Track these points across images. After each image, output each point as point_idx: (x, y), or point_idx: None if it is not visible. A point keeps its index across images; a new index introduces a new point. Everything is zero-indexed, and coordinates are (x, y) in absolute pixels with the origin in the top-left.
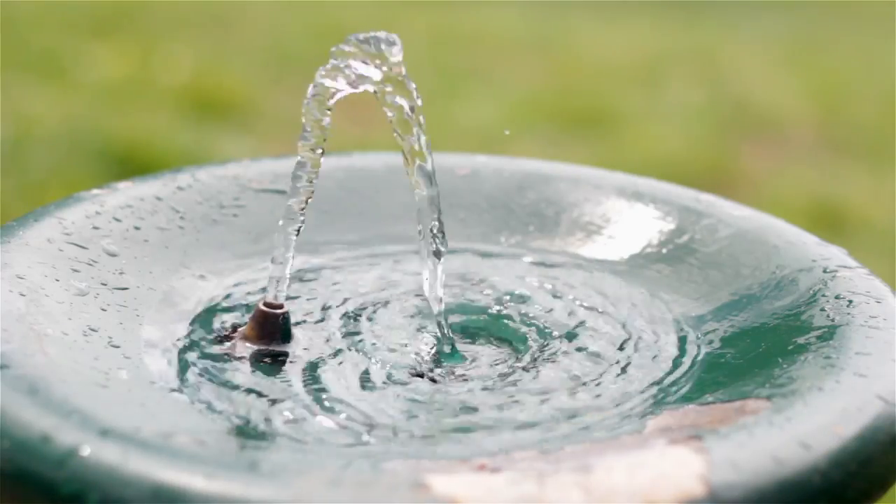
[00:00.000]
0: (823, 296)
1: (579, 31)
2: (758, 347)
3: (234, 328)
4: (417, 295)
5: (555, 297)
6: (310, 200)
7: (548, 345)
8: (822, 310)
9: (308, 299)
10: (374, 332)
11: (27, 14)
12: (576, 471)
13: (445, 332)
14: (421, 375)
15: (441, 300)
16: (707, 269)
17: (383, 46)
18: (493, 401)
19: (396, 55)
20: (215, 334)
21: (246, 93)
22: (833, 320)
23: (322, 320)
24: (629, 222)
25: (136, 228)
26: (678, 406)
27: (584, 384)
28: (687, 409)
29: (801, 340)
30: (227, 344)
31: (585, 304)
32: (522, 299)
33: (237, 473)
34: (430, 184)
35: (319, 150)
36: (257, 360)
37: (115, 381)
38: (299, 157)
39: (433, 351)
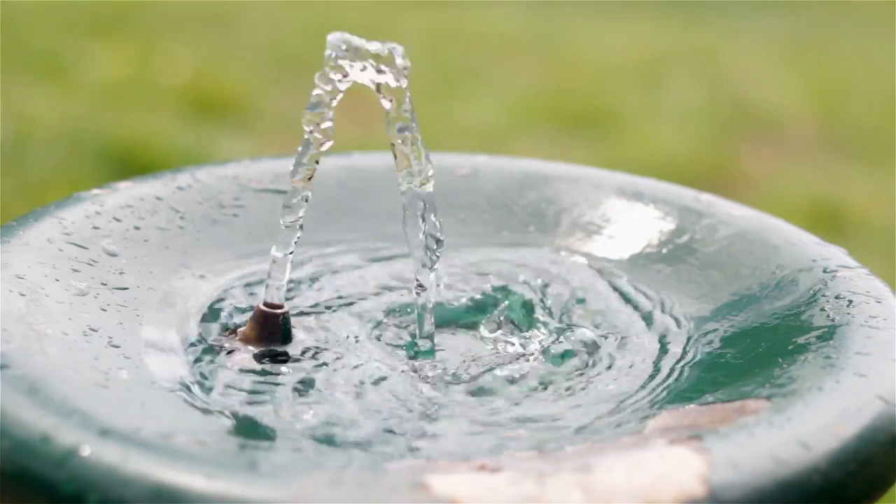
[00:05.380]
0: (823, 296)
1: (579, 31)
2: (758, 347)
3: (234, 328)
4: (418, 294)
5: (553, 296)
6: (307, 200)
7: (546, 344)
8: (822, 310)
9: (308, 299)
10: (374, 332)
11: (27, 14)
12: (576, 471)
13: (427, 326)
14: (421, 376)
15: (429, 294)
16: (707, 269)
17: (387, 51)
18: (492, 400)
19: (402, 61)
20: (215, 334)
21: (246, 93)
22: (833, 320)
23: (322, 320)
24: (629, 222)
25: (136, 228)
26: (678, 406)
27: (584, 383)
28: (687, 409)
29: (801, 340)
30: (227, 344)
31: (584, 303)
32: (520, 298)
33: (237, 473)
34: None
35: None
36: (257, 361)
37: (115, 381)
38: (298, 154)
39: (422, 347)
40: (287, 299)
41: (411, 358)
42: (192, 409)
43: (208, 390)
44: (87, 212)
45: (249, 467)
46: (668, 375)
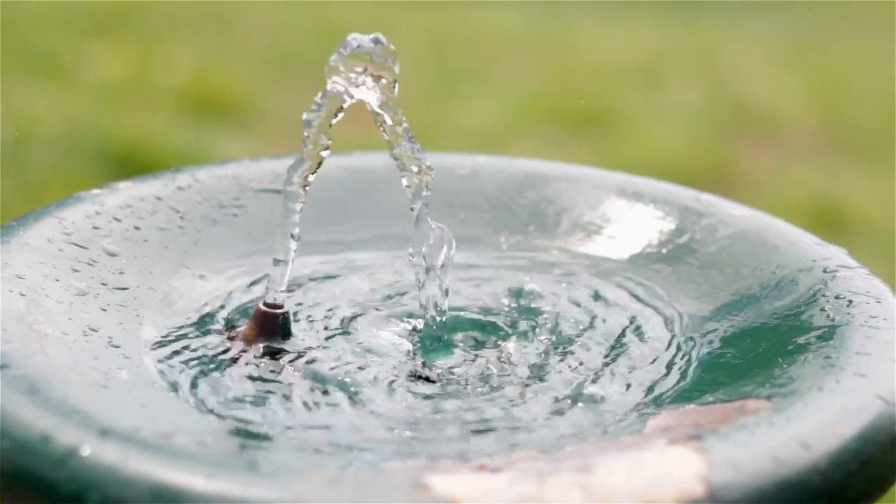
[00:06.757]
0: (823, 296)
1: (579, 31)
2: (758, 347)
3: (235, 328)
4: (418, 294)
5: (554, 296)
6: (306, 199)
7: (547, 344)
8: (822, 310)
9: (308, 299)
10: (374, 332)
11: (27, 14)
12: (576, 471)
13: (438, 323)
14: (420, 376)
15: (440, 297)
16: (707, 269)
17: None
18: (492, 400)
19: (393, 67)
20: (215, 334)
21: (246, 93)
22: (833, 320)
23: (322, 320)
24: (629, 222)
25: (136, 228)
26: (678, 406)
27: (584, 383)
28: (687, 409)
29: (801, 340)
30: (228, 344)
31: (585, 303)
32: (521, 298)
33: (237, 473)
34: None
35: (322, 151)
36: (257, 360)
37: (115, 381)
38: (297, 156)
39: (427, 349)
40: (287, 298)
41: (422, 355)
42: (192, 409)
43: (208, 390)
44: (87, 212)
45: (249, 467)
46: (668, 375)
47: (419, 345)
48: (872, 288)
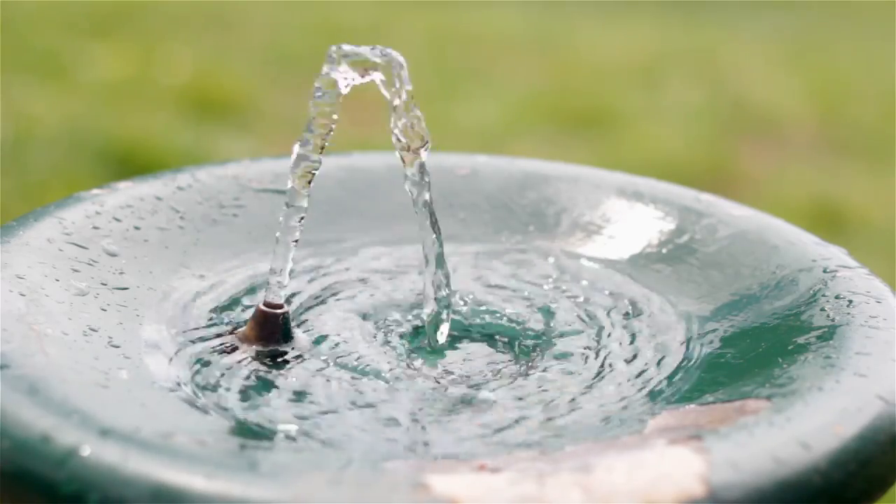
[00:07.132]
0: (823, 296)
1: (579, 31)
2: (758, 347)
3: (234, 328)
4: (418, 294)
5: (554, 296)
6: (308, 198)
7: (545, 344)
8: (822, 310)
9: (308, 299)
10: (375, 333)
11: (27, 14)
12: (576, 471)
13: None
14: (422, 376)
15: (438, 297)
16: (707, 269)
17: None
18: (492, 401)
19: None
20: (215, 334)
21: (246, 93)
22: (833, 320)
23: (322, 320)
24: (629, 222)
25: (136, 228)
26: (678, 406)
27: (583, 383)
28: (687, 409)
29: (801, 340)
30: (227, 344)
31: (585, 303)
32: (522, 298)
33: (237, 473)
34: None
35: (321, 147)
36: (257, 361)
37: (115, 381)
38: (297, 153)
39: (424, 349)
40: (287, 298)
41: (422, 356)
42: (192, 409)
43: (208, 390)
44: (87, 212)
45: (249, 467)
46: (668, 376)
47: (421, 340)
48: (872, 288)
